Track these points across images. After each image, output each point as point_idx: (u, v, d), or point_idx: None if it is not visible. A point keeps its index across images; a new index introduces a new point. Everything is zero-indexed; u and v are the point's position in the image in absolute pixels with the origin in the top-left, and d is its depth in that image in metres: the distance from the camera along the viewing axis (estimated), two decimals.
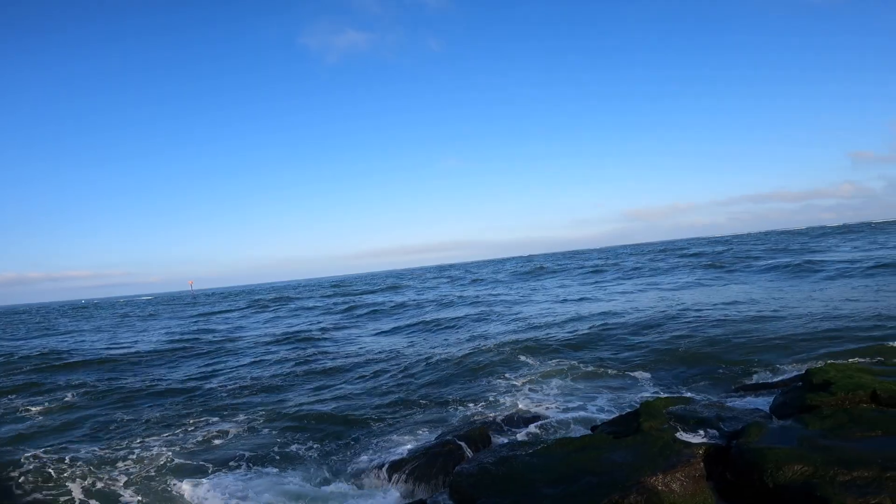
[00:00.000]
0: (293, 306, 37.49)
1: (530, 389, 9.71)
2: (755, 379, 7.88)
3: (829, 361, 6.69)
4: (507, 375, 10.96)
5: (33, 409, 10.79)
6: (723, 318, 13.89)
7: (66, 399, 11.53)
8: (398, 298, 33.30)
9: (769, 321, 12.86)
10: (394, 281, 64.58)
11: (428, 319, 21.16)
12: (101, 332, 29.96)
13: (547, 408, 8.55)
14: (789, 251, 35.33)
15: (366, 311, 27.63)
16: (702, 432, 4.89)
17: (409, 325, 20.52)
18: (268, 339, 19.84)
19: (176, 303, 68.56)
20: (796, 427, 4.53)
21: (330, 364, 13.82)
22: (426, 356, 13.57)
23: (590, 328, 14.77)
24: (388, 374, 12.25)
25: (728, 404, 5.91)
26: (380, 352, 15.07)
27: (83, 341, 24.30)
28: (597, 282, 31.72)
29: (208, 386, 12.25)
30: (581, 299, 22.82)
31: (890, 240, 36.90)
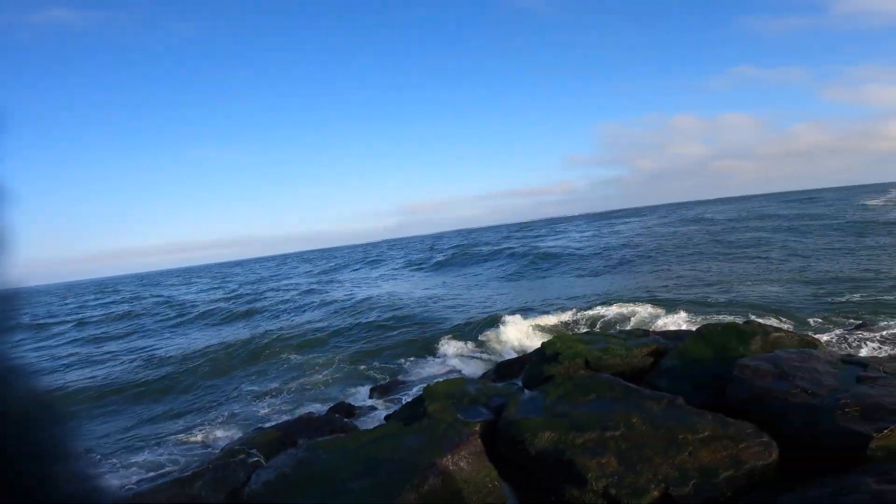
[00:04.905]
0: None
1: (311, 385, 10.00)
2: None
3: (557, 334, 8.55)
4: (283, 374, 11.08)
5: None
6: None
7: None
8: None
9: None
10: None
11: None
12: None
13: (331, 403, 8.93)
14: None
15: None
16: (476, 410, 5.87)
17: None
18: None
19: None
20: (540, 397, 5.71)
21: None
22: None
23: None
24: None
25: (491, 382, 7.13)
26: None
27: None
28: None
29: None
30: None
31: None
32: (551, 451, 4.34)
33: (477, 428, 5.33)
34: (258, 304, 23.11)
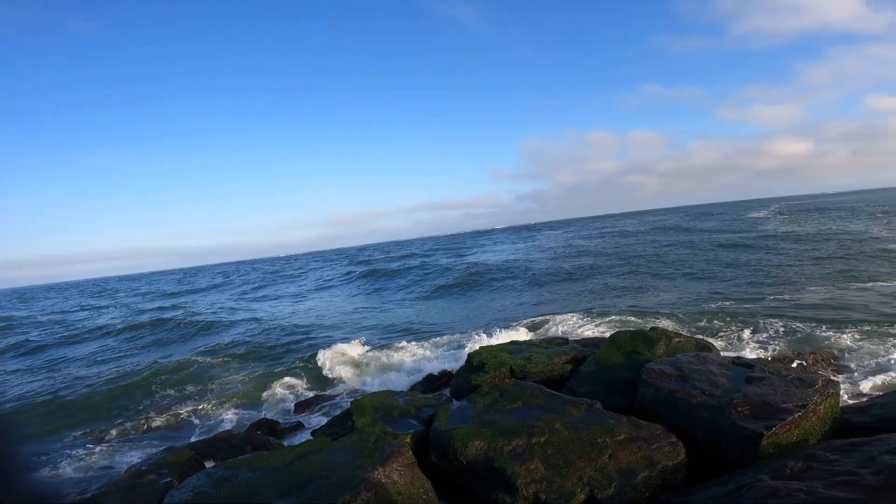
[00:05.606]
0: None
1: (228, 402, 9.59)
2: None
3: (481, 345, 8.77)
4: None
5: None
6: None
7: None
8: None
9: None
10: None
11: None
12: None
13: (251, 420, 8.58)
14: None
15: None
16: (405, 422, 5.90)
17: None
18: None
19: None
20: (469, 406, 5.82)
21: None
22: None
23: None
24: None
25: (420, 393, 7.19)
26: None
27: None
28: None
29: None
30: None
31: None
32: (482, 460, 4.48)
33: (408, 440, 5.36)
34: (163, 320, 21.62)
